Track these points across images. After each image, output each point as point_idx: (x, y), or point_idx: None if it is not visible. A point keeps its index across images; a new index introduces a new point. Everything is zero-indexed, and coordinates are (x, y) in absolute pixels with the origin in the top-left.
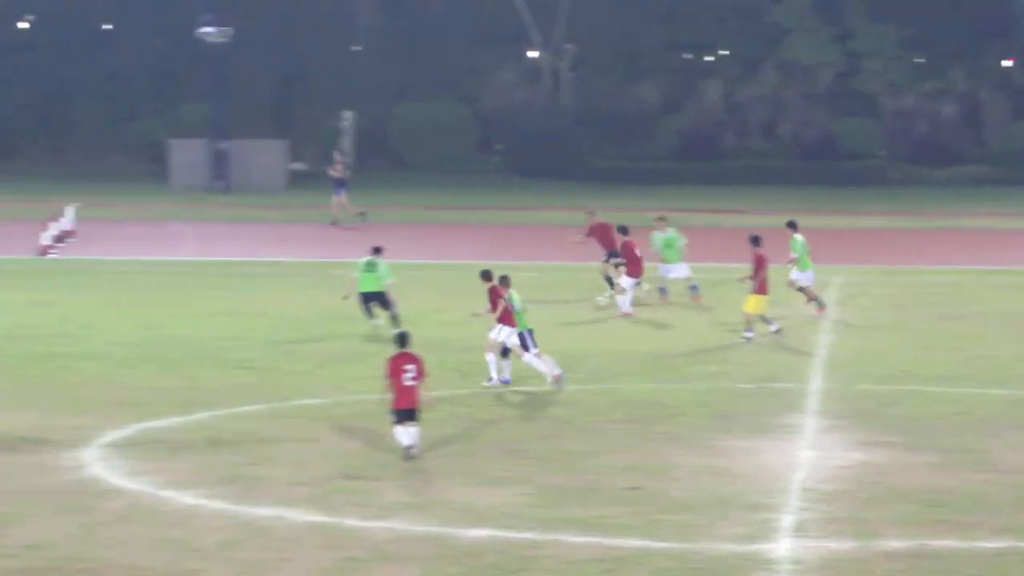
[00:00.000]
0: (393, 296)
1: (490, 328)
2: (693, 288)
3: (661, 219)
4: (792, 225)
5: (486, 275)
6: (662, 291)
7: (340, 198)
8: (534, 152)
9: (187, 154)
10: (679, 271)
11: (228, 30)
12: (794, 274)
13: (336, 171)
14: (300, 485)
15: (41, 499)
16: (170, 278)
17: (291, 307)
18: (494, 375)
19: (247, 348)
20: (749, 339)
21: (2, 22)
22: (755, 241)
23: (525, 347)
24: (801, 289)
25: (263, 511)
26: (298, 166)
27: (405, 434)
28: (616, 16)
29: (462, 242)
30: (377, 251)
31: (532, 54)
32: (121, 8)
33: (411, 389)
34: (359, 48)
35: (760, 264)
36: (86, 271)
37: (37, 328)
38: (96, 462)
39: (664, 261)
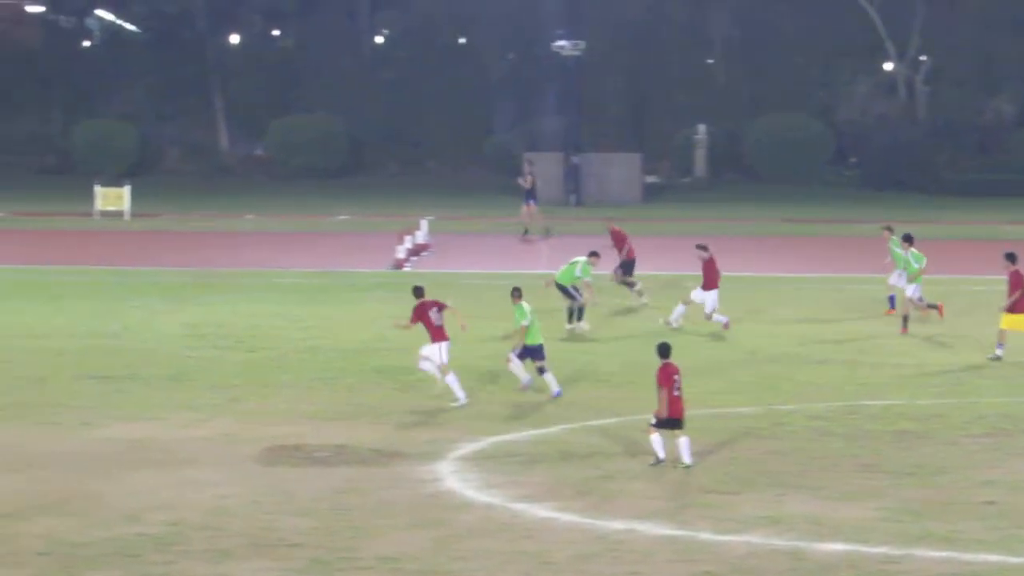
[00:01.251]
0: (578, 293)
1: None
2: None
3: (887, 229)
4: (908, 239)
5: (416, 291)
6: (920, 300)
7: (530, 208)
8: (888, 165)
9: (541, 167)
10: (895, 280)
11: (581, 43)
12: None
13: (526, 182)
14: (654, 499)
15: (396, 512)
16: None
17: (647, 320)
18: (459, 394)
19: (607, 362)
20: (999, 357)
21: (359, 38)
22: (1010, 258)
23: (522, 358)
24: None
25: (616, 524)
26: (652, 179)
27: (662, 444)
28: (972, 28)
29: (816, 255)
30: (593, 255)
31: (887, 66)
32: (475, 22)
33: (679, 399)
34: (712, 61)
35: (1016, 282)
36: (441, 284)
37: (394, 342)
38: (450, 475)
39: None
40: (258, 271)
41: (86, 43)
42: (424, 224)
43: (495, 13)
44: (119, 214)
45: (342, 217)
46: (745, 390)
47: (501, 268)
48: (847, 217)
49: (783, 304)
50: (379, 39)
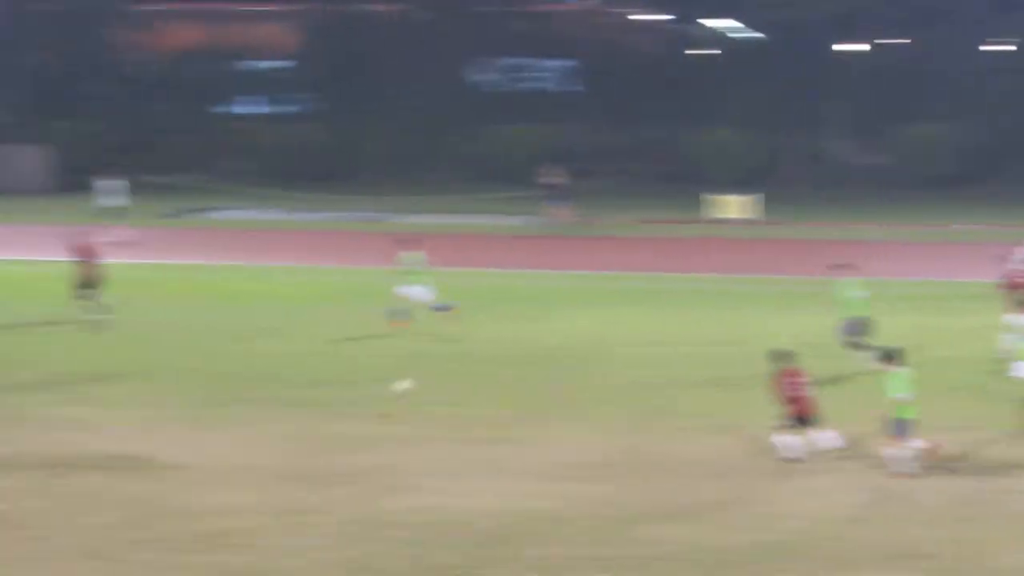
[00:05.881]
0: None
1: None
2: None
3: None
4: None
5: None
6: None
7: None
8: None
9: None
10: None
11: None
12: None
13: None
14: None
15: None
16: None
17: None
18: None
19: None
20: None
21: (976, 47)
22: None
23: None
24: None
25: None
26: None
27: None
28: None
29: None
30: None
31: None
32: None
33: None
34: None
35: None
36: None
37: None
38: None
39: None
40: (877, 280)
41: (707, 52)
42: None
43: None
44: (739, 222)
45: (955, 227)
46: None
47: None
48: None
49: None
50: (999, 48)
